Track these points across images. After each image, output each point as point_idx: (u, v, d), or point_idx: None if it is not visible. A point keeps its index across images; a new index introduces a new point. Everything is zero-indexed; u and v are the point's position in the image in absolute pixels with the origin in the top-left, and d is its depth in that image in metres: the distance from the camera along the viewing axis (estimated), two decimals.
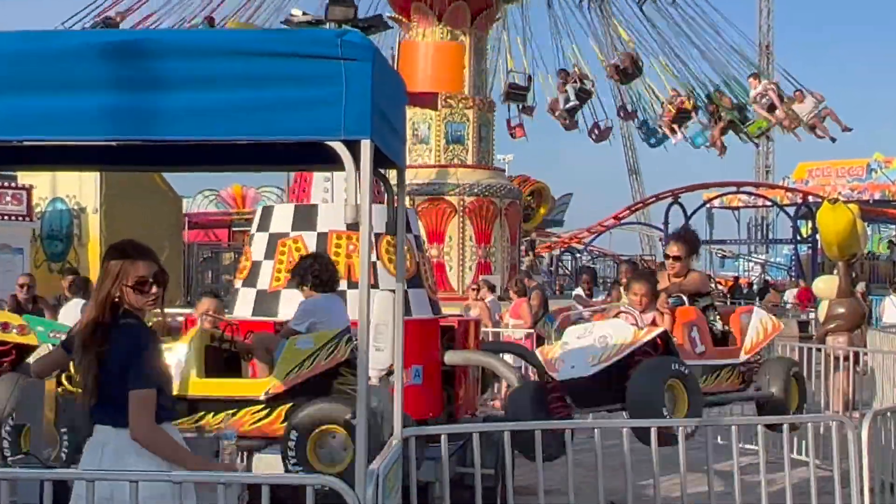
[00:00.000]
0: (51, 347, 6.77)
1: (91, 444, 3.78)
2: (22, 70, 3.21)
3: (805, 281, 31.43)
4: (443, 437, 4.80)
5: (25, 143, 3.59)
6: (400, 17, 24.47)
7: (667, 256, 8.38)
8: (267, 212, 8.84)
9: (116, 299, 3.74)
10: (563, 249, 48.80)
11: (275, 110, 3.24)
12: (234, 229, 32.27)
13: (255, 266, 8.38)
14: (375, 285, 6.25)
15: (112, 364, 3.68)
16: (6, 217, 17.77)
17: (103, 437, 3.73)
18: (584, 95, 30.14)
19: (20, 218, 18.18)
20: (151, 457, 3.69)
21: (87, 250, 18.63)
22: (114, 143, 3.74)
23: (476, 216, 23.87)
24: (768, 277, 49.66)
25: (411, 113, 20.74)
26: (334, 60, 3.21)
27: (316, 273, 6.66)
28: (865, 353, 11.48)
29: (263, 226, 8.53)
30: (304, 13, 22.66)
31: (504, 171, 31.65)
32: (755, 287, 41.89)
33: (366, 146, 3.23)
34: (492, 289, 16.28)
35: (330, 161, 3.42)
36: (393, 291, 4.63)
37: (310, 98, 3.23)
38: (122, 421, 3.66)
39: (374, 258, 7.87)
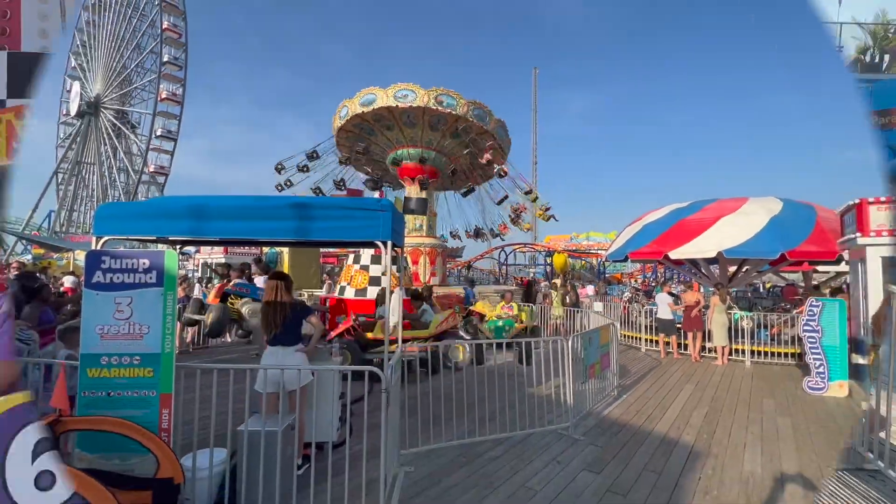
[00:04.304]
0: None
1: (269, 354, 3.39)
2: (255, 210, 3.05)
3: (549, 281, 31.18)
4: (416, 349, 4.56)
5: (258, 239, 3.38)
6: (401, 181, 24.79)
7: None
8: (355, 254, 8.64)
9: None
10: (461, 267, 49.10)
11: (354, 230, 3.12)
12: (339, 258, 31.83)
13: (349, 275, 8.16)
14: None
15: (292, 316, 3.48)
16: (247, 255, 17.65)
17: (280, 351, 3.41)
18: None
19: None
20: (300, 361, 3.43)
21: (284, 268, 18.25)
22: (292, 240, 3.54)
23: (430, 254, 24.10)
24: (538, 278, 50.47)
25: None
26: (377, 211, 3.11)
27: None
28: (577, 308, 10.85)
29: (355, 259, 8.31)
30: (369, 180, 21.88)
31: (443, 236, 31.23)
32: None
33: (388, 244, 3.14)
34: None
35: (375, 246, 3.28)
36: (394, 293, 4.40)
37: (367, 224, 3.12)
38: (289, 343, 3.43)
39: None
